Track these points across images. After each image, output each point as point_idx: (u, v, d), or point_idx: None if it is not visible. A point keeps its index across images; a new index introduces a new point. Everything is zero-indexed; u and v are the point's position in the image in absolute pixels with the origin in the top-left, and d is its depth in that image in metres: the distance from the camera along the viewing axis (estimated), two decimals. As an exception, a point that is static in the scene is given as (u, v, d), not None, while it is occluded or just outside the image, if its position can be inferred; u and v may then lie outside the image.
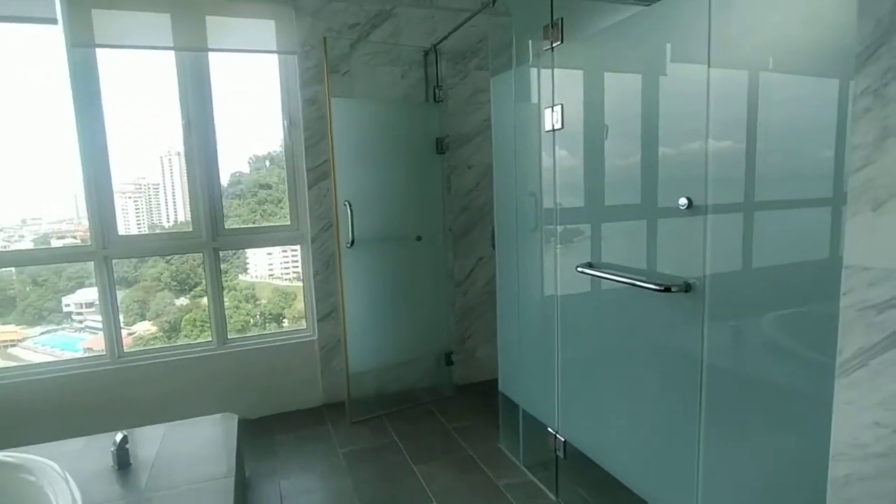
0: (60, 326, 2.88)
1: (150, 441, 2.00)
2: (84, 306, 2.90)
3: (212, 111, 2.78)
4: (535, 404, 2.22)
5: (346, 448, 2.60)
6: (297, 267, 3.21)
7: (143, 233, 2.93)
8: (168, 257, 3.02)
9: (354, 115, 2.74)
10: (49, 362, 2.77)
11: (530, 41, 2.06)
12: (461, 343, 3.30)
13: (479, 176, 3.21)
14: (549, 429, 2.08)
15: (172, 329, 3.03)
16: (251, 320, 3.16)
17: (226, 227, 2.89)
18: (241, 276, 3.17)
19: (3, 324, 2.78)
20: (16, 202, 2.77)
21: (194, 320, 3.04)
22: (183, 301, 3.06)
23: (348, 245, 2.72)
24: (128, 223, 2.81)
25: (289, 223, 3.02)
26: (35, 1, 2.42)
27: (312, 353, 3.04)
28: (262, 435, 2.75)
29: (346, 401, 2.85)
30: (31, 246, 2.81)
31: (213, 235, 2.85)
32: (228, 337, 2.96)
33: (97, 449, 1.88)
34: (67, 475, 1.63)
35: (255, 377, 2.94)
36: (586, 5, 1.86)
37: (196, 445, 1.99)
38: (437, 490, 2.22)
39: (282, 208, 3.11)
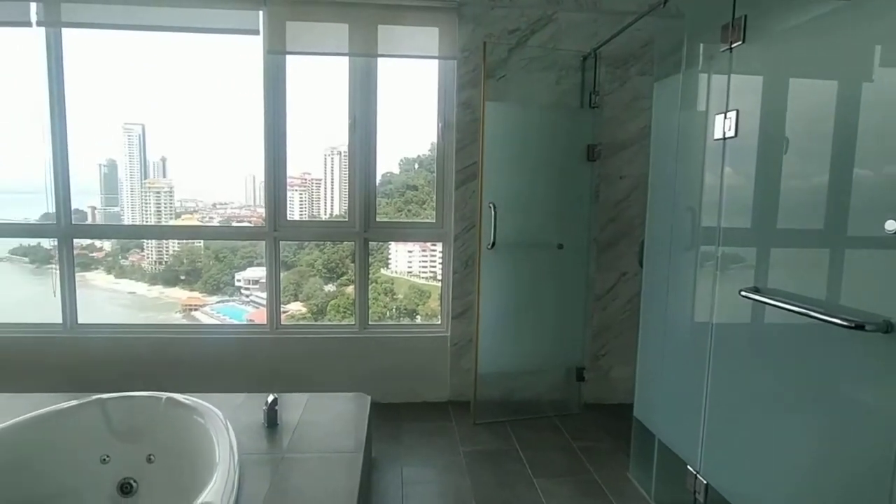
0: (232, 298, 3.32)
1: (294, 406, 2.21)
2: (251, 283, 3.30)
3: (375, 112, 3.00)
4: (674, 438, 2.04)
5: (467, 447, 2.63)
6: (434, 267, 3.32)
7: (305, 219, 3.26)
8: (321, 246, 3.32)
9: (506, 119, 2.76)
10: (223, 325, 3.24)
11: (702, 43, 1.89)
12: (595, 360, 3.16)
13: (631, 187, 3.04)
14: (690, 467, 1.89)
15: (319, 311, 3.31)
16: (387, 313, 3.34)
17: (376, 220, 3.10)
18: (382, 271, 3.36)
19: (190, 290, 3.29)
20: (210, 189, 3.25)
21: (338, 306, 3.30)
22: (330, 287, 3.33)
23: (489, 246, 2.75)
24: (292, 212, 3.14)
25: (433, 221, 3.14)
26: (244, 16, 2.82)
27: (444, 349, 3.12)
28: (389, 420, 2.89)
29: (472, 401, 2.88)
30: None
31: (365, 226, 3.07)
32: (369, 322, 3.17)
33: (253, 406, 2.12)
34: (228, 424, 1.86)
35: (389, 364, 3.10)
36: (774, 1, 1.66)
37: (332, 418, 2.16)
38: (557, 508, 2.14)
39: (425, 209, 3.24)
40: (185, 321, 3.29)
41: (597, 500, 2.21)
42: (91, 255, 3.25)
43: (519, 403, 3.02)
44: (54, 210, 2.96)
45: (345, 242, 3.23)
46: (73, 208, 3.00)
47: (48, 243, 3.09)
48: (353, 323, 3.17)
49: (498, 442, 2.70)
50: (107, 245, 3.31)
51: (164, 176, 3.21)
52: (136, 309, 3.30)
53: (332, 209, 3.33)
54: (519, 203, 2.83)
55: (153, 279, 3.31)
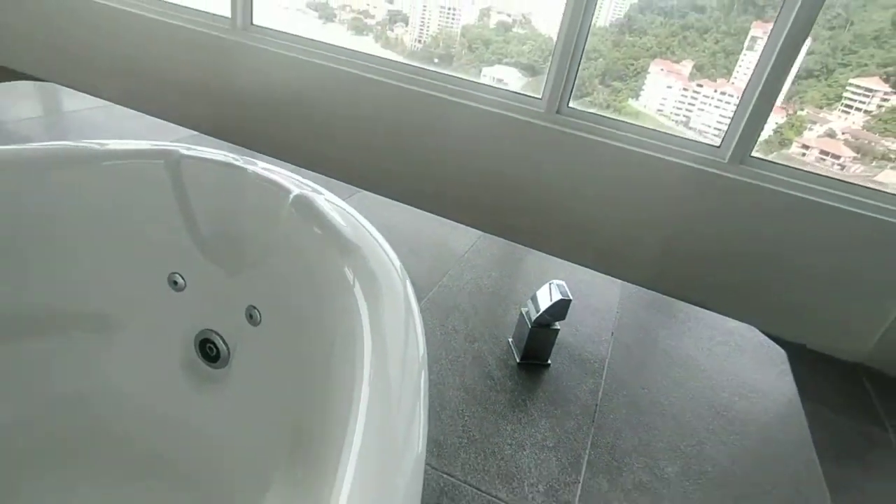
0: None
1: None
2: (496, 81, 2.92)
3: None
4: None
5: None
6: (689, 112, 2.63)
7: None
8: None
9: None
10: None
11: None
12: None
13: None
14: None
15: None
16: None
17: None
18: (630, 101, 2.80)
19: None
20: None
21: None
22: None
23: None
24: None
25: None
26: None
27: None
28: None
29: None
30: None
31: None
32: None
33: (492, 254, 1.16)
34: (413, 298, 0.68)
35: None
36: None
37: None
38: None
39: (704, 41, 2.51)
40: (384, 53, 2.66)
41: None
42: (365, 20, 3.35)
43: None
44: None
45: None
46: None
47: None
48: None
49: None
50: (379, 14, 3.41)
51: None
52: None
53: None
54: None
55: (411, 55, 3.26)
